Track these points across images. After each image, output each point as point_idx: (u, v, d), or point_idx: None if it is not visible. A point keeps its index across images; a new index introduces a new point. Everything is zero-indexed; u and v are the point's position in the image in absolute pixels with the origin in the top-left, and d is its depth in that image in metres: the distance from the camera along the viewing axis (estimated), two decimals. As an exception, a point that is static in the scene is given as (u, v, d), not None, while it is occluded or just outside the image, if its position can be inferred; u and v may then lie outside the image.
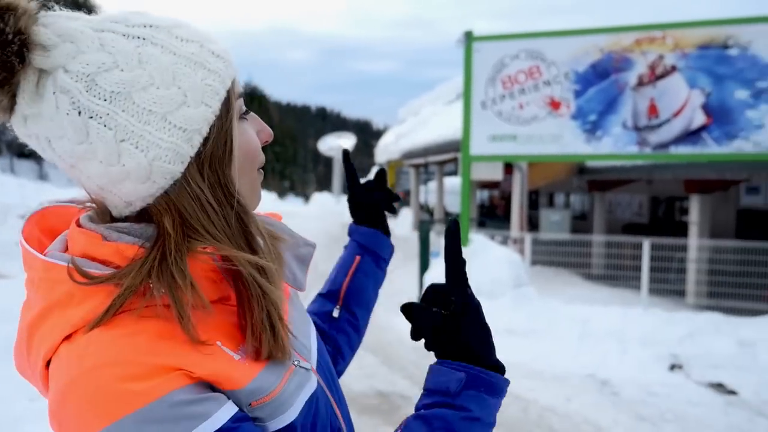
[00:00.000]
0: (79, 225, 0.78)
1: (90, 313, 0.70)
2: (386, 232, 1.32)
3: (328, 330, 1.23)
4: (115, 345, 0.69)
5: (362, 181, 1.34)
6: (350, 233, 1.32)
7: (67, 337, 0.71)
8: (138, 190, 0.73)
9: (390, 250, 1.32)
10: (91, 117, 0.69)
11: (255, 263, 0.77)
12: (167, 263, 0.72)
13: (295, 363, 0.85)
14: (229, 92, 0.77)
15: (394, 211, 1.35)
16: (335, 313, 1.24)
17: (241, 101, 0.80)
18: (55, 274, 0.73)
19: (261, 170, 0.86)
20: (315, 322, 1.20)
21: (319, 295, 1.28)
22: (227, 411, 0.71)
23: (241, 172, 0.79)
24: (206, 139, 0.74)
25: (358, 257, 1.28)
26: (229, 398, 0.72)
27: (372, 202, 1.32)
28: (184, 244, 0.74)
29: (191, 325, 0.71)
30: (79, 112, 0.69)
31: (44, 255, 0.76)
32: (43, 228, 0.85)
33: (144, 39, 0.72)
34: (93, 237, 0.75)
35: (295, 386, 0.82)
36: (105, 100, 0.69)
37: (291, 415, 0.80)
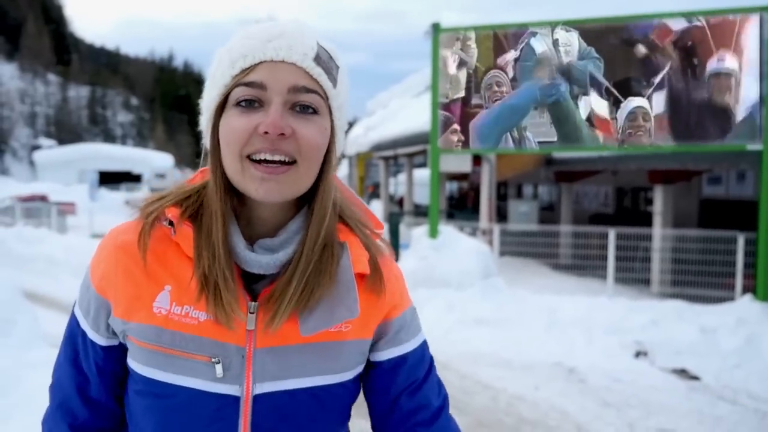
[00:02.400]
0: None
1: None
2: None
3: None
4: None
5: None
6: None
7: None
8: None
9: None
10: None
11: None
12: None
13: (214, 359, 0.90)
14: (228, 87, 0.90)
15: None
16: None
17: (242, 90, 0.89)
18: None
19: (255, 161, 0.88)
20: None
21: None
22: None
23: (223, 154, 0.91)
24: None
25: None
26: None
27: None
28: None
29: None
30: None
31: None
32: None
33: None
34: None
35: (169, 361, 0.90)
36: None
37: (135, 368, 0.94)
